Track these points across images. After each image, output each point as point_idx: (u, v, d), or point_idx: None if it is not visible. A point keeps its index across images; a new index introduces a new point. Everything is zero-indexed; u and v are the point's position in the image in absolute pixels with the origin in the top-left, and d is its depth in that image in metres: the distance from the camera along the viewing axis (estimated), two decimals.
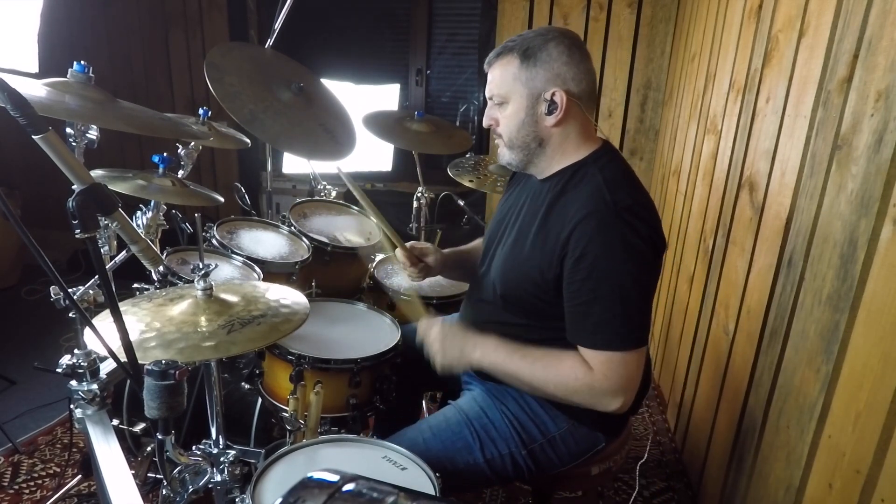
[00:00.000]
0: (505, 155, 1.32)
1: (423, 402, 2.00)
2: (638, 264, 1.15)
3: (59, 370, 1.26)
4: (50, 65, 2.06)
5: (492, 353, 1.26)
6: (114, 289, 0.90)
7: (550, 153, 1.27)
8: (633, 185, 1.23)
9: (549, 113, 1.21)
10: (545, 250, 1.22)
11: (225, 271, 1.71)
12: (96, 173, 1.54)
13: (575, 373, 1.18)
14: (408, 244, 1.55)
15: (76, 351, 1.27)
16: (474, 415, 1.33)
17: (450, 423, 1.33)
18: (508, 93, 1.25)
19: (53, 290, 1.26)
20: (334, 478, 0.57)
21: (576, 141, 1.26)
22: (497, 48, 1.27)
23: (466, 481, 1.31)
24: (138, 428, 1.68)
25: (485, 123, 1.33)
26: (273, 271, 1.77)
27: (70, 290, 1.27)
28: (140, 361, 0.92)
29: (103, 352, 0.89)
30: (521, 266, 1.28)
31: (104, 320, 1.11)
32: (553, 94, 1.20)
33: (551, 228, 1.22)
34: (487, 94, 1.30)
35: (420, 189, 2.46)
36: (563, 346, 1.22)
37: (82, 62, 1.23)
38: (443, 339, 1.30)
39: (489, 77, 1.28)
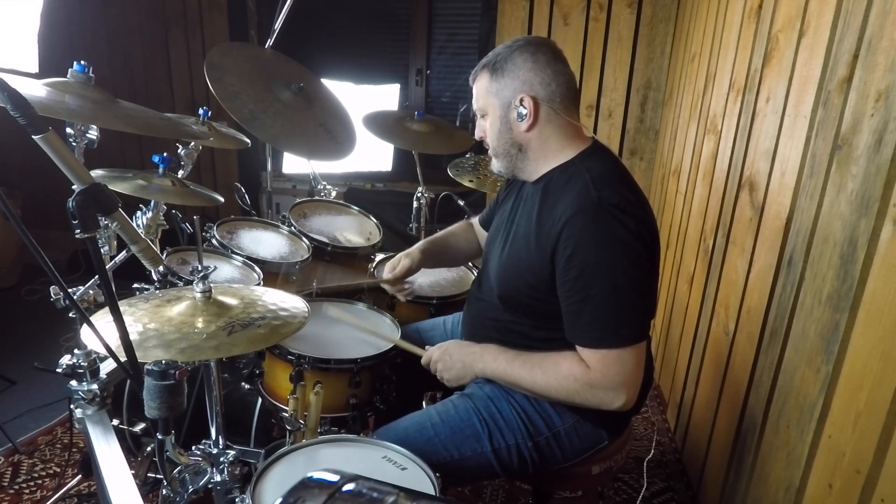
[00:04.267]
0: (494, 164, 1.38)
1: (424, 402, 2.00)
2: (628, 259, 1.16)
3: (59, 370, 1.25)
4: (50, 65, 2.07)
5: (492, 363, 1.30)
6: (114, 289, 0.90)
7: (533, 157, 1.30)
8: (620, 181, 1.23)
9: (520, 119, 1.26)
10: (537, 251, 1.23)
11: (225, 271, 1.71)
12: (96, 173, 1.54)
13: (573, 374, 1.19)
14: (386, 268, 1.63)
15: (76, 351, 1.27)
16: (483, 404, 1.33)
17: (458, 410, 1.33)
18: (485, 106, 1.32)
19: (53, 290, 1.26)
20: (334, 478, 0.57)
21: (558, 142, 1.28)
22: (477, 65, 1.34)
23: (471, 471, 1.31)
24: (138, 428, 1.67)
25: (476, 136, 1.40)
26: (273, 271, 1.77)
27: (70, 290, 1.27)
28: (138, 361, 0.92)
29: (103, 352, 0.89)
30: (515, 268, 1.30)
31: (102, 319, 1.10)
32: (521, 101, 1.24)
33: (541, 229, 1.23)
34: (474, 109, 1.36)
35: (420, 189, 2.46)
36: (564, 345, 1.23)
37: (82, 62, 1.23)
38: (443, 360, 1.36)
39: (473, 93, 1.35)
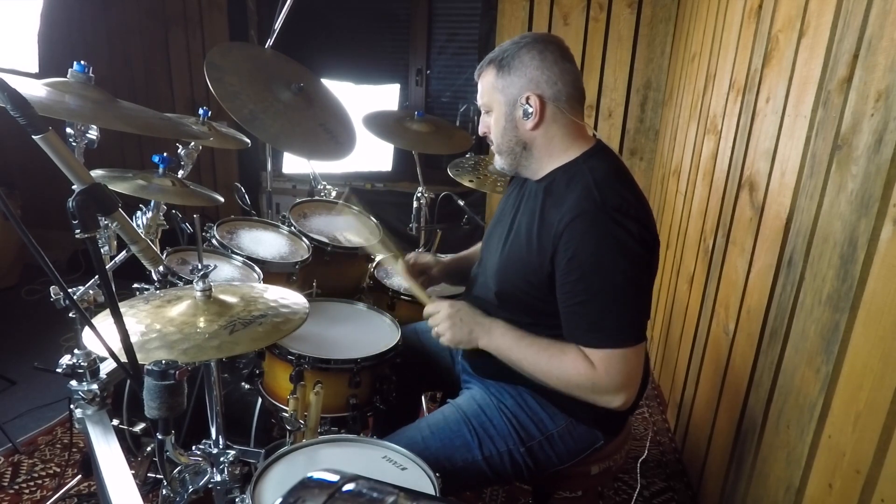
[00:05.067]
0: (497, 160, 1.37)
1: (423, 402, 2.00)
2: (630, 262, 1.16)
3: (59, 370, 1.25)
4: (50, 65, 2.07)
5: (499, 338, 1.29)
6: (114, 289, 0.90)
7: (538, 155, 1.30)
8: (623, 184, 1.23)
9: (526, 117, 1.25)
10: (538, 250, 1.23)
11: (225, 271, 1.71)
12: (96, 173, 1.54)
13: (577, 368, 1.19)
14: (408, 257, 1.62)
15: (76, 351, 1.27)
16: (472, 413, 1.33)
17: (448, 421, 1.33)
18: (490, 102, 1.31)
19: (53, 290, 1.26)
20: (334, 478, 0.57)
21: (562, 142, 1.28)
22: (483, 60, 1.32)
23: (466, 480, 1.31)
24: (138, 428, 1.67)
25: (479, 132, 1.39)
26: (273, 271, 1.77)
27: (70, 290, 1.27)
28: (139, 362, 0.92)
29: (103, 352, 0.89)
30: (514, 265, 1.30)
31: (103, 320, 1.10)
32: (527, 99, 1.24)
33: (543, 228, 1.23)
34: (478, 105, 1.36)
35: (420, 189, 2.46)
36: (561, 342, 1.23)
37: (82, 62, 1.23)
38: (452, 318, 1.32)
39: (478, 88, 1.34)
